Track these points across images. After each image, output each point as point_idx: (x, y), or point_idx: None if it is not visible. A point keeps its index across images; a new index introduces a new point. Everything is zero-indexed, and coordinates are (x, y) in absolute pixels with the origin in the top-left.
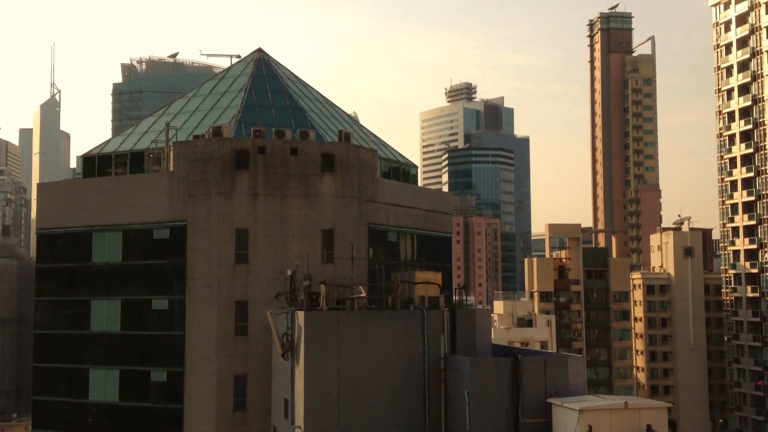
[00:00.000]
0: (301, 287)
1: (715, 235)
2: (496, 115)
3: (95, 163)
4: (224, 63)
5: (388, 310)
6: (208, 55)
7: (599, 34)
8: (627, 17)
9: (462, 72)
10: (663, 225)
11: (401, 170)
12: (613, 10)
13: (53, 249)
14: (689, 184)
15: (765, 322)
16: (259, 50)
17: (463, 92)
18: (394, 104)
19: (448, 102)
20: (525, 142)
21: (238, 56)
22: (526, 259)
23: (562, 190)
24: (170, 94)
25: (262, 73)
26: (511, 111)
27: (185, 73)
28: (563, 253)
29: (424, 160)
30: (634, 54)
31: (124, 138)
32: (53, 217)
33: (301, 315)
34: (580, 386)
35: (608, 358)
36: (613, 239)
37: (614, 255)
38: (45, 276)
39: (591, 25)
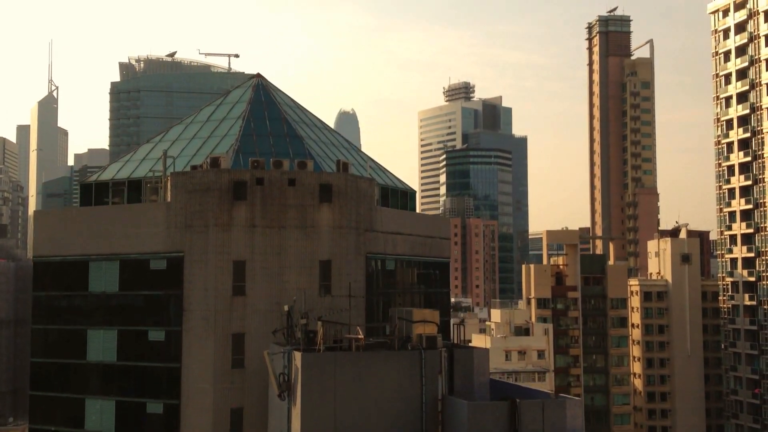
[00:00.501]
0: (298, 324)
1: (713, 236)
2: (494, 114)
3: (92, 190)
4: (222, 62)
5: (385, 350)
6: (206, 54)
7: (597, 37)
8: (626, 20)
9: (460, 70)
10: (661, 227)
11: (399, 196)
12: (612, 13)
13: (50, 277)
14: (687, 185)
15: (762, 331)
16: (258, 75)
17: (461, 91)
18: (391, 101)
19: (447, 101)
20: (523, 141)
21: (236, 55)
22: (523, 266)
23: (560, 188)
24: (168, 93)
25: (261, 99)
26: (509, 110)
27: (183, 72)
28: (561, 260)
29: (422, 159)
30: (633, 57)
31: (121, 165)
32: (50, 245)
33: (298, 356)
34: (578, 429)
35: (605, 364)
36: (611, 244)
37: (612, 260)
38: (41, 304)
39: (590, 28)
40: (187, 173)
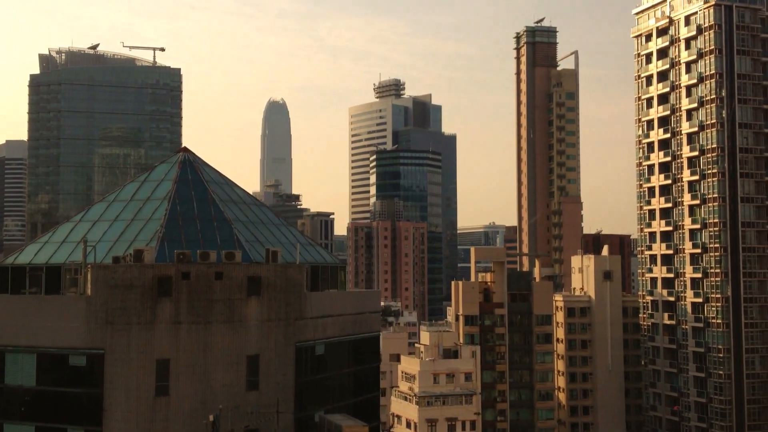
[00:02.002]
0: None
1: (633, 233)
2: (424, 112)
3: (9, 275)
4: (147, 56)
5: None
6: (131, 48)
7: (525, 47)
8: (552, 32)
9: (391, 59)
10: (585, 231)
11: (329, 272)
12: (539, 24)
13: None
14: (610, 194)
15: (681, 350)
16: (184, 149)
17: (391, 88)
18: (322, 89)
19: (377, 98)
20: (452, 139)
21: (162, 49)
22: (453, 282)
23: (488, 181)
24: (91, 87)
25: (187, 177)
26: (438, 108)
27: (107, 65)
28: (488, 276)
29: (353, 155)
30: (559, 68)
31: (39, 246)
32: None
33: None
34: None
35: (530, 380)
36: (537, 260)
37: (537, 274)
38: None
39: (517, 38)
40: (109, 267)
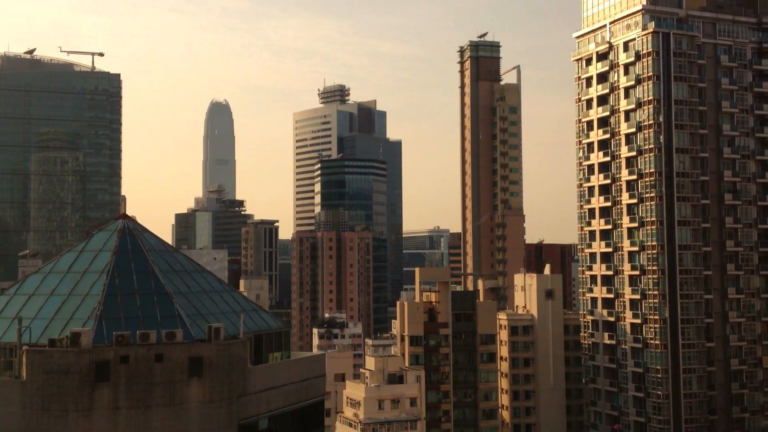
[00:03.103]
0: None
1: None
2: (369, 118)
3: None
4: (86, 61)
5: None
6: (69, 52)
7: (469, 61)
8: (495, 46)
9: (336, 58)
10: (527, 241)
11: (273, 339)
12: (483, 38)
13: None
14: (551, 201)
15: (621, 369)
16: (124, 216)
17: (336, 94)
18: (267, 89)
19: (321, 103)
20: (397, 145)
21: (101, 54)
22: (398, 302)
23: (434, 182)
24: (27, 92)
25: (126, 247)
26: (383, 114)
27: (44, 70)
28: (433, 296)
29: (297, 161)
30: (502, 82)
31: None
32: None
33: None
34: None
35: (474, 399)
36: (481, 279)
37: (481, 290)
38: None
39: (461, 52)
40: (44, 352)
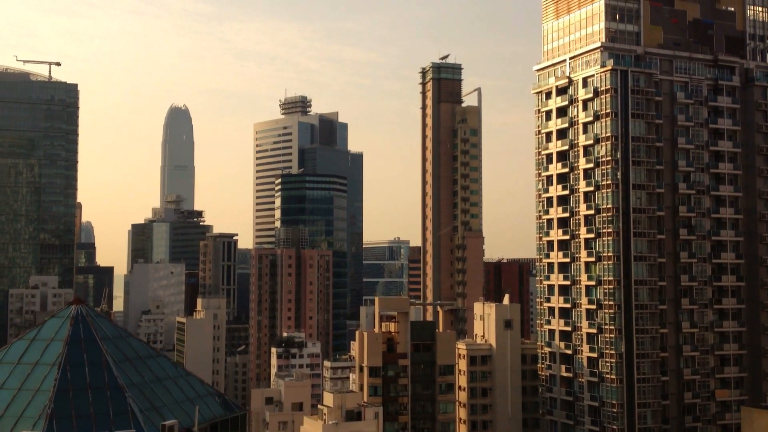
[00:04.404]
0: None
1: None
2: (330, 130)
3: None
4: (43, 70)
5: None
6: (25, 62)
7: (431, 83)
8: (457, 68)
9: (299, 63)
10: (486, 258)
11: (229, 425)
12: (444, 60)
13: None
14: (509, 220)
15: (577, 402)
16: (77, 301)
17: (297, 105)
18: (228, 93)
19: (283, 114)
20: (359, 157)
21: (58, 63)
22: (357, 332)
23: (394, 197)
24: None
25: (79, 336)
26: (345, 126)
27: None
28: (392, 326)
29: (257, 172)
30: (464, 104)
31: None
32: None
33: None
34: None
35: (433, 430)
36: (440, 310)
37: (441, 321)
38: None
39: (423, 73)
40: None
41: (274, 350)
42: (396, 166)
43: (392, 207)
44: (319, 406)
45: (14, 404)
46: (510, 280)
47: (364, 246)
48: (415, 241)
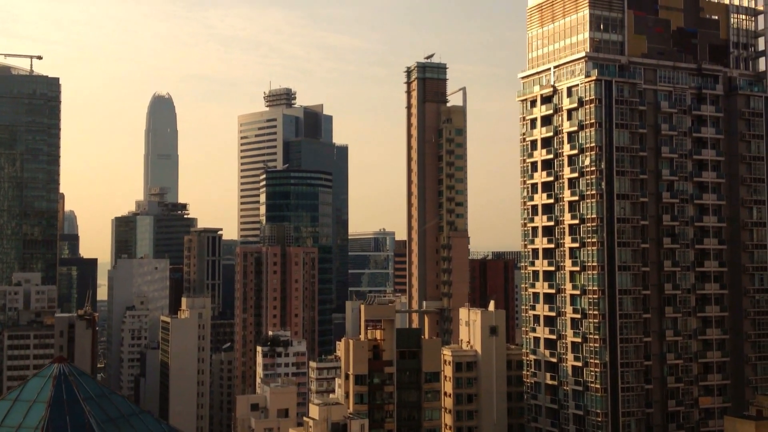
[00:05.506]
0: None
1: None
2: (315, 122)
3: None
4: (24, 64)
5: None
6: (6, 55)
7: (416, 82)
8: (442, 68)
9: (284, 50)
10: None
11: None
12: (429, 60)
13: None
14: (494, 217)
15: (562, 410)
16: (60, 359)
17: (282, 98)
18: (212, 79)
19: (267, 107)
20: (344, 150)
21: (39, 57)
22: (343, 340)
23: (379, 188)
24: None
25: (62, 398)
26: (330, 118)
27: None
28: (378, 334)
29: (242, 165)
30: (449, 104)
31: None
32: None
33: None
34: None
35: None
36: (426, 316)
37: (426, 329)
38: None
39: (408, 73)
40: None
41: (259, 349)
42: (381, 154)
43: (378, 196)
44: (304, 419)
45: None
46: (496, 277)
47: (349, 237)
48: (401, 232)
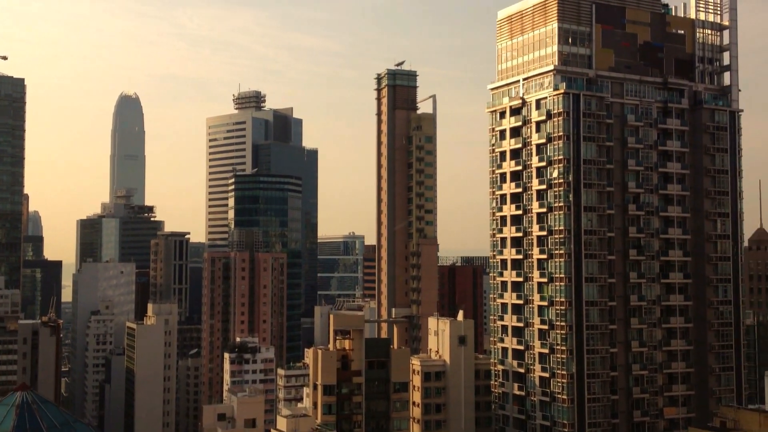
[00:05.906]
0: None
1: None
2: (285, 125)
3: None
4: None
5: None
6: None
7: (386, 89)
8: (413, 75)
9: (253, 50)
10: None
11: None
12: (400, 67)
13: None
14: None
15: (529, 421)
16: (23, 386)
17: (252, 100)
18: (180, 79)
19: (237, 109)
20: (314, 153)
21: (5, 57)
22: (312, 350)
23: (349, 192)
24: None
25: (25, 426)
26: (299, 122)
27: None
28: (347, 343)
29: (210, 168)
30: (419, 111)
31: None
32: None
33: None
34: None
35: None
36: (395, 327)
37: (396, 338)
38: None
39: (378, 79)
40: None
41: (227, 356)
42: (351, 157)
43: (347, 200)
44: (272, 431)
45: None
46: (464, 283)
47: (319, 240)
48: (370, 236)
